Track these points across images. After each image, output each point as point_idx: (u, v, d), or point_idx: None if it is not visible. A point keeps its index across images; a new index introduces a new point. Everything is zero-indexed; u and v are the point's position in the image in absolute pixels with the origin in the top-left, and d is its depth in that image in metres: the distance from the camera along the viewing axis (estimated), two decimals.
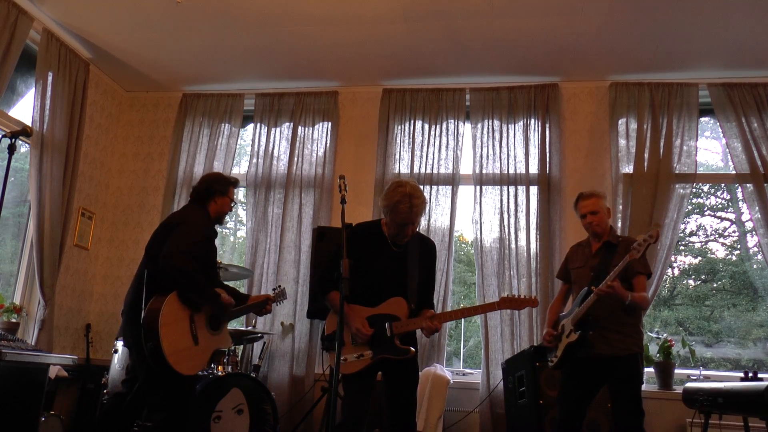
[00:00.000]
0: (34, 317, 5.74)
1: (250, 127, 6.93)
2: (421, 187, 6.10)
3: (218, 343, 3.98)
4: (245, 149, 7.29)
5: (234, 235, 7.78)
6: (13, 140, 3.75)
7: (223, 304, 3.87)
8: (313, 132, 6.67)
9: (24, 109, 6.01)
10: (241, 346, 5.86)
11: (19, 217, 6.15)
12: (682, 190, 5.86)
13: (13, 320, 5.47)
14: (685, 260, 6.62)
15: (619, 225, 5.80)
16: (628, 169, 6.00)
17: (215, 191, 4.07)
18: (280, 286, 4.70)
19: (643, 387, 5.48)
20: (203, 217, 4.00)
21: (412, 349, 3.60)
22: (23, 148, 5.91)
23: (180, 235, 3.78)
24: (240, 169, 7.08)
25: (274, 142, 6.71)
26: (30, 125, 5.63)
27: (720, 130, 5.99)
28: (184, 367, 3.68)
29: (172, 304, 3.69)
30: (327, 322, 3.80)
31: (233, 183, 4.21)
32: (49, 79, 5.81)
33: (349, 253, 3.61)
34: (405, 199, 3.59)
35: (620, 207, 5.85)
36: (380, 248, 3.73)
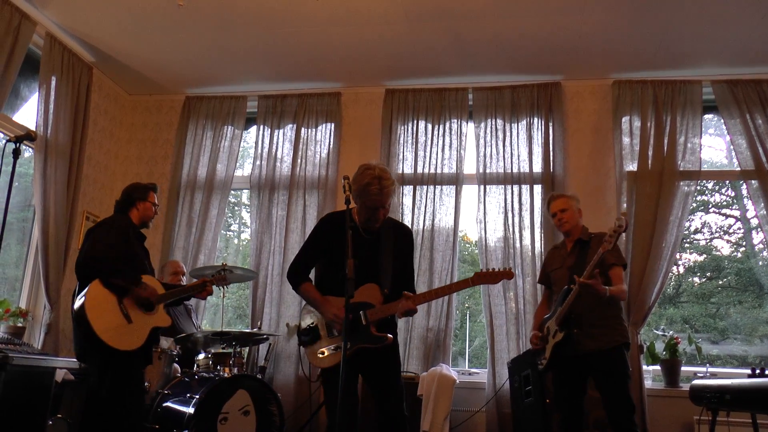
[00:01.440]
0: (40, 321, 5.74)
1: (253, 129, 6.93)
2: (425, 187, 6.23)
3: (156, 322, 4.14)
4: (248, 151, 7.30)
5: (238, 237, 7.79)
6: (18, 145, 3.75)
7: (139, 294, 4.03)
8: (316, 133, 6.67)
9: (28, 113, 6.02)
10: (247, 348, 5.86)
11: (23, 222, 6.16)
12: (686, 188, 5.85)
13: (20, 324, 5.48)
14: (690, 258, 6.61)
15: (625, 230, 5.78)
16: (632, 167, 5.99)
17: (135, 198, 4.32)
18: (223, 271, 4.81)
19: (649, 384, 5.56)
20: (118, 219, 4.25)
21: (389, 336, 3.49)
22: (27, 152, 5.92)
23: (92, 236, 4.09)
24: (243, 171, 7.09)
25: (277, 143, 6.71)
26: (34, 129, 5.59)
27: (724, 127, 5.98)
28: (120, 342, 3.89)
29: (94, 290, 3.91)
30: (301, 317, 3.75)
31: (152, 187, 4.45)
32: (53, 83, 5.81)
33: (319, 244, 3.66)
34: (374, 181, 3.45)
35: (624, 205, 5.84)
36: (354, 240, 3.53)
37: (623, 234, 3.98)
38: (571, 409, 4.09)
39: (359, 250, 3.35)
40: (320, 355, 3.54)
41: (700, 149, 5.91)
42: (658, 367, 5.67)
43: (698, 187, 6.23)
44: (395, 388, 3.62)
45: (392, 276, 3.60)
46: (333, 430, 3.42)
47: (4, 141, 5.72)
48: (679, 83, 6.01)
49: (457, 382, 5.43)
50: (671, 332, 5.76)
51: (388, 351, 3.59)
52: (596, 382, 4.07)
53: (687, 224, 6.22)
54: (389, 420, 3.56)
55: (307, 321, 3.70)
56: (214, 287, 4.67)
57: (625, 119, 6.08)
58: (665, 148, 5.91)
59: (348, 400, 3.38)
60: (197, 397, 4.38)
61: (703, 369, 5.58)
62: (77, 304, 3.89)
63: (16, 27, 5.32)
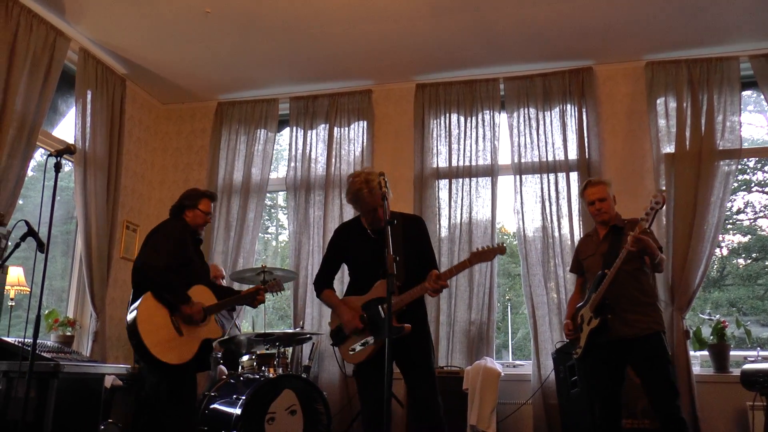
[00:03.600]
0: (88, 329, 5.87)
1: (286, 131, 6.98)
2: (460, 180, 6.21)
3: (206, 333, 4.09)
4: (282, 154, 7.35)
5: (276, 239, 7.85)
6: (58, 159, 3.80)
7: (186, 313, 3.95)
8: (349, 132, 6.69)
9: (66, 128, 6.16)
10: (290, 348, 5.90)
11: (67, 234, 6.30)
12: (726, 167, 5.72)
13: (68, 333, 5.60)
14: (733, 239, 6.48)
15: (663, 207, 5.66)
16: (669, 149, 5.88)
17: (184, 206, 4.26)
18: (275, 279, 4.74)
19: (698, 371, 5.46)
20: (174, 223, 4.21)
21: (407, 325, 3.50)
22: (67, 166, 6.04)
23: (149, 242, 4.08)
24: (278, 173, 7.14)
25: (310, 144, 6.75)
26: (73, 143, 5.72)
27: (764, 103, 5.85)
28: (171, 356, 3.85)
29: (147, 301, 3.90)
30: (331, 319, 3.89)
31: (206, 195, 4.33)
32: (88, 97, 5.92)
33: (335, 253, 3.91)
34: (363, 185, 3.63)
35: (663, 188, 5.74)
36: (359, 239, 3.79)
37: (661, 212, 3.87)
38: (608, 398, 4.00)
39: (369, 250, 3.65)
40: (351, 352, 3.69)
41: (740, 127, 5.77)
42: (705, 353, 5.56)
43: (739, 166, 6.08)
44: (426, 373, 3.63)
45: (405, 267, 3.59)
46: (368, 424, 3.59)
47: (45, 156, 5.87)
48: (714, 60, 5.88)
49: (502, 374, 5.39)
50: (717, 316, 5.65)
51: (412, 341, 3.59)
52: (636, 370, 3.99)
53: (729, 204, 6.09)
54: (423, 408, 3.57)
55: (337, 322, 3.84)
56: (268, 294, 4.59)
57: (660, 101, 5.97)
58: (703, 127, 5.79)
59: (380, 395, 3.40)
60: (244, 398, 4.43)
61: (754, 353, 5.44)
62: (130, 317, 3.89)
63: (52, 44, 5.44)
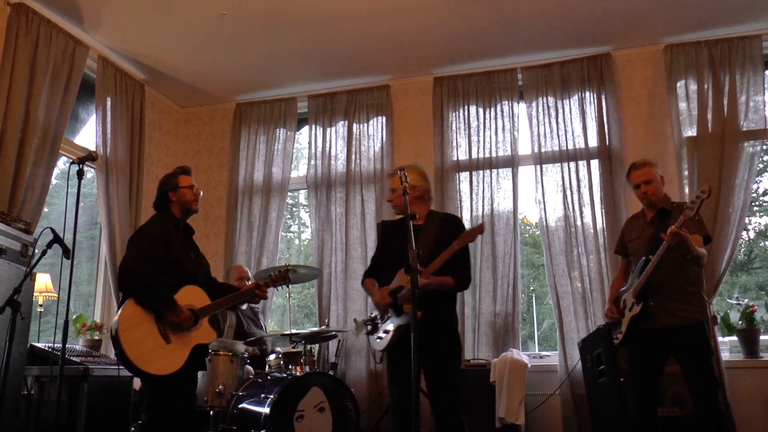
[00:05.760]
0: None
1: (306, 129, 7.00)
2: (481, 172, 6.21)
3: (198, 339, 3.75)
4: (302, 152, 7.37)
5: (299, 237, 7.88)
6: (81, 166, 3.84)
7: (173, 320, 3.63)
8: (368, 128, 6.69)
9: (87, 135, 6.25)
10: (317, 345, 5.93)
11: (91, 240, 6.38)
12: (751, 149, 5.62)
13: (96, 337, 5.67)
14: (760, 221, 6.38)
15: (687, 191, 5.61)
16: (691, 132, 5.81)
17: (167, 191, 3.93)
18: (279, 271, 4.38)
19: (727, 356, 5.40)
20: (157, 219, 3.89)
21: (418, 312, 3.40)
22: (89, 173, 6.11)
23: (130, 244, 3.79)
24: (299, 171, 7.16)
25: (330, 141, 6.76)
26: (94, 150, 5.78)
27: None
28: (156, 366, 3.55)
29: (129, 308, 3.61)
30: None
31: (179, 171, 4.01)
32: (108, 103, 5.99)
33: (379, 246, 4.16)
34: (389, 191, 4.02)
35: (686, 172, 5.67)
36: (397, 234, 3.84)
37: (682, 191, 3.80)
38: (646, 387, 3.94)
39: (402, 243, 3.60)
40: (378, 340, 3.81)
41: (765, 106, 5.66)
42: (734, 338, 5.48)
43: (765, 147, 5.98)
44: (444, 384, 3.63)
45: (428, 261, 3.64)
46: (394, 413, 3.70)
47: (68, 164, 5.95)
48: (736, 40, 5.78)
49: (529, 366, 5.37)
50: (746, 300, 5.57)
51: (443, 343, 3.66)
52: (677, 359, 3.90)
53: (755, 186, 6.01)
54: (438, 418, 3.61)
55: (371, 313, 4.03)
56: (275, 289, 4.35)
57: (680, 84, 5.90)
58: (725, 109, 5.70)
59: (404, 379, 3.50)
60: (272, 396, 4.45)
61: None
62: (112, 325, 3.62)
63: (71, 54, 5.51)
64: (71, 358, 4.43)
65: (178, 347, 3.65)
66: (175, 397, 3.66)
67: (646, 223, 4.11)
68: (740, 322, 5.40)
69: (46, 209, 5.37)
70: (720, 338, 5.40)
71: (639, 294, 3.88)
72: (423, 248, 3.62)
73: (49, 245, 3.80)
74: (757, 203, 6.28)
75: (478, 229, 3.71)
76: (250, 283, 5.81)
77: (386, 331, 3.72)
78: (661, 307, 3.84)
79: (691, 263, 3.87)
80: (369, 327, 3.96)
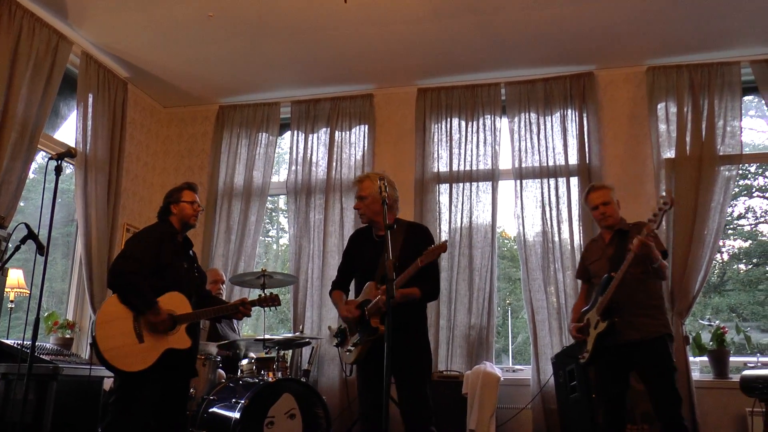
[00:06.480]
0: (87, 332, 5.87)
1: (288, 134, 6.99)
2: (461, 184, 6.23)
3: (171, 343, 3.79)
4: (284, 157, 7.36)
5: (277, 243, 7.86)
6: (59, 162, 3.81)
7: (150, 319, 3.72)
8: (350, 136, 6.70)
9: (67, 131, 6.18)
10: (290, 352, 5.90)
11: (67, 237, 6.31)
12: (727, 172, 5.71)
13: (67, 336, 5.61)
14: (734, 244, 6.47)
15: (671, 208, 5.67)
16: (669, 153, 5.88)
17: (169, 203, 4.10)
18: (273, 294, 4.40)
19: (697, 376, 5.45)
20: (154, 226, 4.06)
21: (381, 326, 3.52)
22: (68, 169, 6.06)
23: (124, 246, 3.96)
24: (279, 177, 7.15)
25: (312, 148, 6.75)
26: (74, 146, 5.76)
27: (765, 108, 5.84)
28: (123, 363, 3.64)
29: (111, 304, 3.75)
30: (338, 321, 4.01)
31: (186, 187, 4.16)
32: (90, 100, 5.94)
33: (345, 257, 4.06)
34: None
35: (663, 193, 5.72)
36: (365, 244, 3.91)
37: (667, 214, 3.87)
38: (615, 402, 4.00)
39: (370, 253, 3.79)
40: (347, 353, 3.79)
41: (741, 132, 5.76)
42: (705, 359, 5.54)
43: (740, 171, 6.08)
44: (415, 396, 3.62)
45: (398, 273, 3.57)
46: (363, 425, 3.72)
47: (46, 159, 5.89)
48: (716, 65, 5.88)
49: (502, 379, 5.39)
50: (717, 321, 5.63)
51: (413, 355, 3.65)
52: (640, 375, 3.98)
53: (730, 210, 6.09)
54: (410, 427, 3.60)
55: (340, 324, 3.98)
56: (261, 308, 4.29)
57: (660, 106, 5.98)
58: (704, 132, 5.79)
59: (372, 392, 3.59)
60: (243, 402, 4.42)
61: (754, 359, 5.44)
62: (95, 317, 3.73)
63: (54, 48, 5.46)
64: (41, 356, 4.36)
65: (149, 348, 3.72)
66: (139, 400, 3.71)
67: (605, 245, 4.21)
68: (711, 343, 5.47)
69: (22, 204, 5.30)
70: (691, 358, 5.46)
71: (604, 311, 3.93)
72: (387, 261, 3.65)
73: (23, 241, 3.76)
74: (731, 226, 6.37)
75: (441, 247, 3.62)
76: (224, 286, 5.81)
77: (355, 345, 3.72)
78: (625, 322, 3.90)
79: (654, 276, 3.96)
80: (338, 339, 3.93)
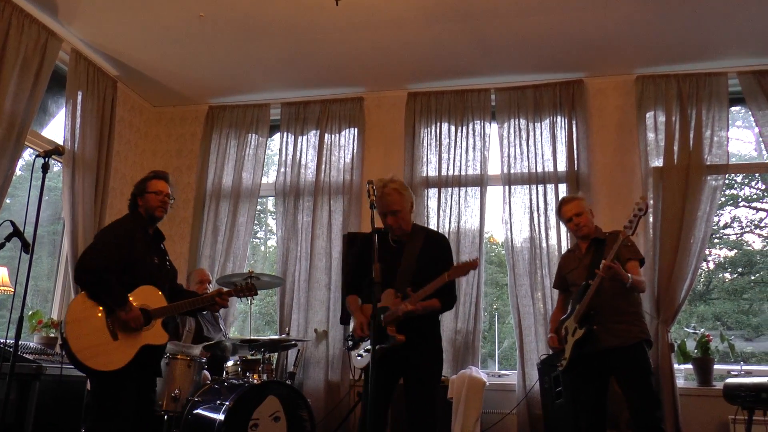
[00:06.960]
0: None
1: (277, 136, 6.98)
2: (450, 189, 6.22)
3: (148, 339, 3.69)
4: (273, 159, 7.35)
5: (264, 244, 7.84)
6: (46, 159, 3.79)
7: (121, 317, 3.60)
8: (339, 139, 6.70)
9: (56, 128, 6.14)
10: (276, 354, 5.89)
11: (54, 235, 6.26)
12: (714, 182, 5.75)
13: (52, 335, 5.56)
14: (720, 253, 6.51)
15: (651, 220, 5.71)
16: (657, 162, 5.92)
17: (135, 196, 3.98)
18: (250, 279, 4.41)
19: (681, 384, 5.48)
20: (124, 219, 3.93)
21: (400, 336, 3.56)
22: (56, 167, 6.02)
23: (93, 240, 3.86)
24: (268, 178, 7.13)
25: (301, 150, 6.75)
26: (62, 144, 5.73)
27: (752, 119, 5.88)
28: (98, 362, 3.52)
29: (80, 301, 3.62)
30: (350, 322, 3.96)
31: (151, 176, 4.01)
32: (79, 98, 5.91)
33: (355, 260, 4.01)
34: (377, 189, 3.68)
35: (651, 201, 5.77)
36: (380, 248, 3.77)
37: (648, 225, 3.90)
38: (594, 409, 4.02)
39: (386, 259, 3.66)
40: (359, 357, 3.80)
41: (728, 142, 5.81)
42: (690, 366, 5.58)
43: (726, 181, 6.13)
44: (426, 399, 3.64)
45: (413, 281, 3.67)
46: (364, 423, 3.72)
47: (33, 156, 5.85)
48: (704, 76, 5.93)
49: (487, 384, 5.40)
50: (702, 330, 5.67)
51: (428, 358, 3.69)
52: (618, 381, 4.00)
53: (716, 219, 6.14)
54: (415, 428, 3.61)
55: (351, 327, 3.91)
56: (238, 299, 4.34)
57: (649, 114, 6.01)
58: (691, 142, 5.83)
59: (379, 399, 3.57)
60: (227, 403, 4.40)
61: (737, 367, 5.48)
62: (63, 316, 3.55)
63: (43, 45, 5.43)
64: (24, 355, 4.33)
65: (124, 345, 3.61)
66: (119, 401, 3.59)
67: (582, 254, 4.24)
68: (696, 351, 5.51)
69: (8, 201, 5.26)
70: (675, 365, 5.49)
71: (581, 318, 3.96)
72: (406, 264, 3.71)
73: (8, 238, 3.74)
74: (717, 236, 6.41)
75: (471, 265, 3.65)
76: (210, 287, 5.79)
77: (368, 350, 3.68)
78: (604, 329, 3.93)
79: (631, 291, 3.99)
80: (350, 342, 3.88)
